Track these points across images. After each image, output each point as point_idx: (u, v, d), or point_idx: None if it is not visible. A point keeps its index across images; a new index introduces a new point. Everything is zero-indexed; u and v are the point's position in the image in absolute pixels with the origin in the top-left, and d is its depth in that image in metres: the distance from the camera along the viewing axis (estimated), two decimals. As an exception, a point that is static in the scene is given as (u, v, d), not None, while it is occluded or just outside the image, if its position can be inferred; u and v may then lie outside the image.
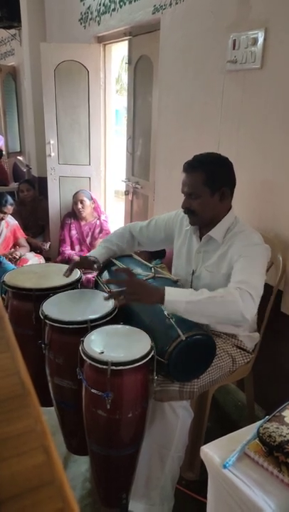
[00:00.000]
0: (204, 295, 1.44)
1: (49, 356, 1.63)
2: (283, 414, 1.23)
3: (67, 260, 3.69)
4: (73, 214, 3.86)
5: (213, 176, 1.62)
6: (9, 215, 3.78)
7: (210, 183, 1.61)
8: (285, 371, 1.99)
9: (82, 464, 1.90)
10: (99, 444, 1.50)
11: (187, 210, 1.69)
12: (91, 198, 3.78)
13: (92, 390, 1.39)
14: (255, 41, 1.89)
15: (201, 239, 1.75)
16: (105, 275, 1.91)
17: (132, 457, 1.55)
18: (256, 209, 2.04)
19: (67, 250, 3.80)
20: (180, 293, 1.49)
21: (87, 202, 3.72)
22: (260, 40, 1.86)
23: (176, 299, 1.44)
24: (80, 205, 3.71)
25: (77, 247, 3.83)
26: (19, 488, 0.33)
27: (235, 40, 2.00)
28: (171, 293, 1.45)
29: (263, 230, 1.91)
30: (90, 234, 3.81)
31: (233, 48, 2.02)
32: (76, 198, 3.73)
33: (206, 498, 1.27)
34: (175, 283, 1.72)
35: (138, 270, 1.78)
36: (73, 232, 3.83)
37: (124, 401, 1.40)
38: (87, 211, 3.74)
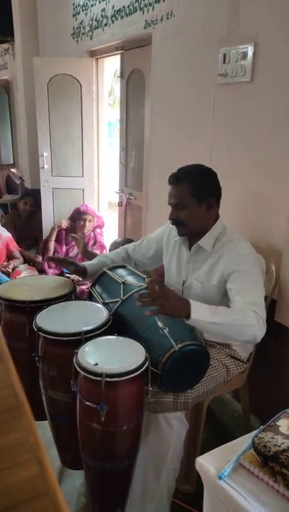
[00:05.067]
0: (226, 317, 1.41)
1: (42, 369, 1.62)
2: (278, 423, 1.23)
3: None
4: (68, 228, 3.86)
5: (199, 186, 1.64)
6: (2, 228, 3.78)
7: (196, 193, 1.63)
8: (280, 380, 1.99)
9: (76, 479, 1.88)
10: (93, 457, 1.49)
11: (175, 221, 1.71)
12: (97, 215, 3.79)
13: (87, 403, 1.38)
14: (244, 55, 1.93)
15: (190, 249, 1.76)
16: (98, 286, 1.91)
17: (127, 470, 1.53)
18: (248, 219, 2.06)
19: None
20: (203, 312, 1.40)
21: (91, 221, 3.72)
22: (250, 54, 1.90)
23: (200, 318, 1.38)
24: (87, 223, 3.70)
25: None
26: (13, 500, 0.33)
27: (225, 54, 2.04)
28: (195, 310, 1.38)
29: (256, 239, 1.93)
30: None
31: (224, 62, 2.06)
32: (86, 217, 3.69)
33: (202, 511, 1.25)
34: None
35: (131, 280, 1.79)
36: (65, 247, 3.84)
37: (118, 413, 1.39)
38: (89, 228, 3.76)
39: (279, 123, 1.82)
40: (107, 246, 3.48)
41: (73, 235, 3.63)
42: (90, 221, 3.69)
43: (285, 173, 1.81)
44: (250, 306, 1.43)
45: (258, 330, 1.41)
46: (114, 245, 2.71)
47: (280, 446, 1.12)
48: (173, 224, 1.74)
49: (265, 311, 1.47)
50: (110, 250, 2.70)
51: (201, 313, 1.39)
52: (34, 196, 4.44)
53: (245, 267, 1.57)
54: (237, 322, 1.41)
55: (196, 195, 1.64)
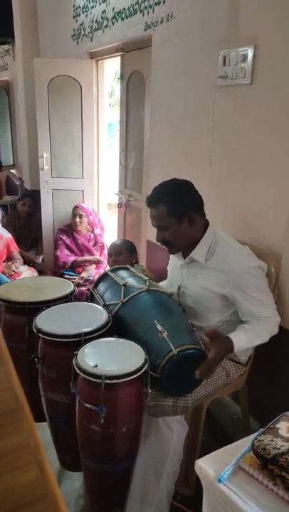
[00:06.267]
0: (259, 338, 1.61)
1: (42, 370, 1.62)
2: (277, 426, 1.23)
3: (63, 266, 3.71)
4: (66, 229, 3.86)
5: (175, 206, 1.63)
6: (2, 229, 3.78)
7: (174, 212, 1.63)
8: (280, 383, 1.98)
9: (75, 481, 1.87)
10: (93, 459, 1.48)
11: (161, 241, 1.72)
12: (91, 214, 3.80)
13: (86, 405, 1.38)
14: (244, 57, 1.93)
15: (184, 257, 1.77)
16: (100, 288, 1.91)
17: (127, 473, 1.53)
18: (248, 221, 2.05)
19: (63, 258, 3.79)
20: (242, 342, 1.56)
21: (85, 218, 3.74)
22: (250, 57, 1.90)
23: (241, 347, 1.57)
24: (77, 219, 3.72)
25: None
26: (13, 504, 0.33)
27: (225, 56, 2.05)
28: (237, 344, 1.54)
29: (256, 242, 1.93)
30: (87, 245, 3.82)
31: (224, 64, 2.06)
32: (76, 212, 3.74)
33: (201, 513, 1.25)
34: (169, 296, 1.72)
35: (133, 282, 1.79)
36: (70, 247, 3.85)
37: (118, 415, 1.39)
38: (83, 226, 3.76)
39: (279, 125, 1.82)
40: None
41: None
42: (80, 216, 3.70)
43: (285, 175, 1.81)
44: (274, 318, 1.67)
45: (277, 329, 1.66)
46: (113, 248, 2.70)
47: (279, 449, 1.12)
48: (162, 244, 1.75)
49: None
50: (110, 254, 2.69)
51: (241, 345, 1.56)
52: (33, 197, 4.44)
53: (255, 282, 1.62)
54: (267, 337, 1.63)
55: (175, 215, 1.63)
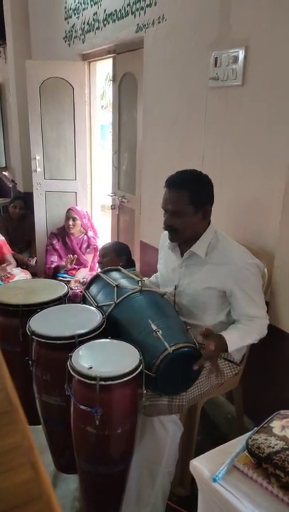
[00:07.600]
0: (250, 337, 1.65)
1: (36, 373, 1.62)
2: (271, 425, 1.24)
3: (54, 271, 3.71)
4: (58, 232, 3.86)
5: (198, 195, 1.63)
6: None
7: (195, 201, 1.62)
8: (274, 382, 2.00)
9: (71, 483, 1.87)
10: (88, 461, 1.48)
11: (169, 227, 1.70)
12: (85, 217, 3.80)
13: (81, 406, 1.37)
14: (236, 59, 1.94)
15: (182, 255, 1.76)
16: (92, 289, 1.91)
17: (122, 474, 1.52)
18: (241, 222, 2.07)
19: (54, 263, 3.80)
20: (235, 341, 1.61)
21: (78, 221, 3.74)
22: (241, 58, 1.92)
23: (234, 347, 1.62)
24: (70, 222, 3.72)
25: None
26: (7, 505, 0.33)
27: (216, 58, 2.06)
28: (230, 344, 1.58)
29: (249, 242, 1.94)
30: (77, 249, 3.81)
31: (215, 66, 2.07)
32: (70, 214, 3.75)
33: (197, 513, 1.25)
34: (162, 296, 1.72)
35: (125, 283, 1.79)
36: (59, 253, 3.85)
37: (113, 416, 1.39)
38: (76, 229, 3.76)
39: (270, 126, 1.84)
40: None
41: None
42: (74, 219, 3.70)
43: (276, 175, 1.83)
44: (264, 320, 1.69)
45: (266, 331, 1.70)
46: (101, 250, 2.70)
47: (273, 447, 1.13)
48: (166, 229, 1.73)
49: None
50: (99, 256, 2.69)
51: (234, 344, 1.60)
52: (24, 199, 4.43)
53: (252, 280, 1.64)
54: (257, 337, 1.67)
55: (194, 204, 1.63)
